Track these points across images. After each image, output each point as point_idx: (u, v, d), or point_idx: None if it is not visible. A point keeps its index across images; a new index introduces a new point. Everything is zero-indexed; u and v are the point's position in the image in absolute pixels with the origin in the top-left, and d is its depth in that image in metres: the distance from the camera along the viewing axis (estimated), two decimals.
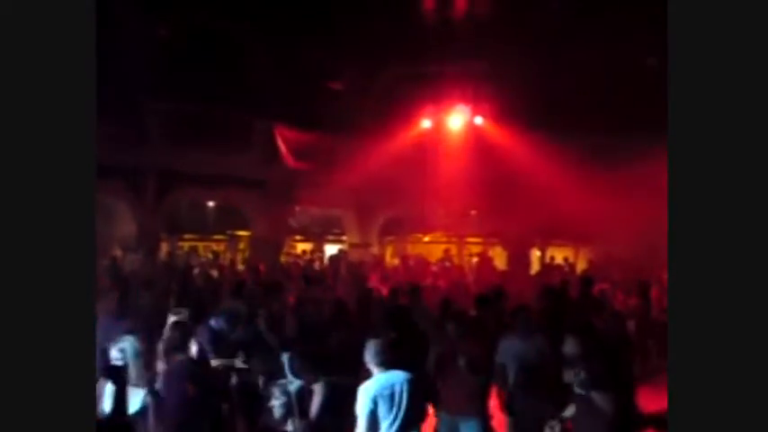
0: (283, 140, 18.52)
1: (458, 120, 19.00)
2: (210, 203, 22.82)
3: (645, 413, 6.61)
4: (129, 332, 6.69)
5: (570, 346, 6.30)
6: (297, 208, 21.73)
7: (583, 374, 5.93)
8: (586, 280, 12.38)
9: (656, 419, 6.73)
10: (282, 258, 19.98)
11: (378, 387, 5.75)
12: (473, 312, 9.37)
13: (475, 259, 20.62)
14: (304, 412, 6.39)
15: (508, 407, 7.49)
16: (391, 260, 22.29)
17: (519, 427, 7.40)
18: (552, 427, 6.32)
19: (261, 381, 7.04)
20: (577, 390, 6.02)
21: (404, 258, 21.12)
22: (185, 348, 6.47)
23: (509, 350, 7.59)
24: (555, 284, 12.33)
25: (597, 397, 5.82)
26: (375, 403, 5.70)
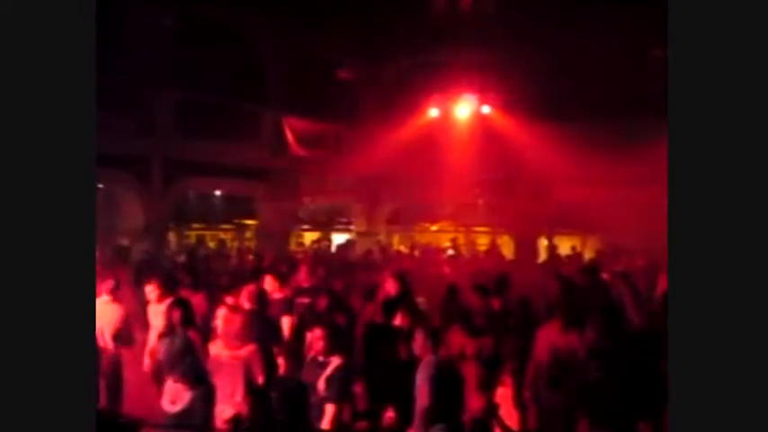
0: (291, 130, 18.53)
1: (465, 109, 18.95)
2: (218, 193, 22.88)
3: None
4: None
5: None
6: (304, 197, 21.76)
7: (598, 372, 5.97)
8: (592, 268, 12.34)
9: None
10: (293, 247, 20.08)
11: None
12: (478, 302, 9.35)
13: (482, 248, 20.62)
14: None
15: (522, 402, 7.48)
16: (398, 248, 22.31)
17: (545, 420, 7.35)
18: None
19: None
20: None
21: (413, 247, 21.15)
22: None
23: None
24: (567, 273, 12.31)
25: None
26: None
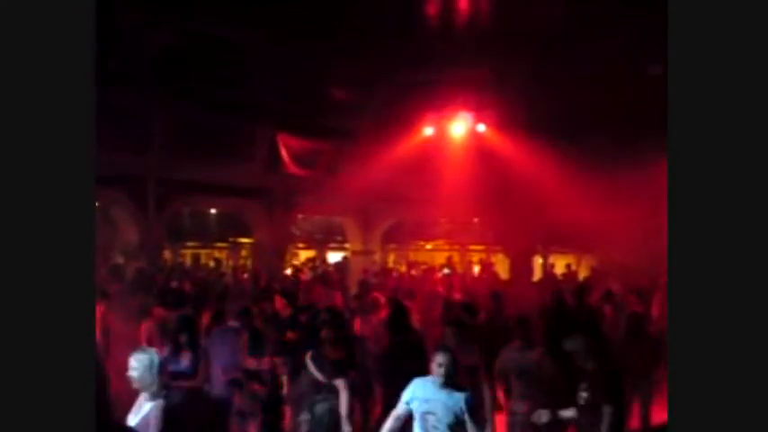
0: (286, 148, 18.55)
1: (460, 127, 18.99)
2: (213, 211, 22.86)
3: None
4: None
5: (574, 344, 6.28)
6: (299, 215, 21.75)
7: (587, 393, 5.96)
8: (581, 289, 12.39)
9: None
10: (288, 267, 20.04)
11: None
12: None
13: (477, 267, 20.62)
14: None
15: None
16: (394, 266, 22.29)
17: None
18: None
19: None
20: (582, 401, 6.04)
21: (409, 265, 21.15)
22: None
23: (509, 360, 7.60)
24: (559, 293, 12.38)
25: (605, 409, 5.84)
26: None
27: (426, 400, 5.64)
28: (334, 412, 6.17)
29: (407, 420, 5.77)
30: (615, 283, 13.87)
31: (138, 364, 5.19)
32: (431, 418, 5.59)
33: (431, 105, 18.90)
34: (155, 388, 5.18)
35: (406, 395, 5.79)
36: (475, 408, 5.78)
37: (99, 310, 8.99)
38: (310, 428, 5.84)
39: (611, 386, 6.03)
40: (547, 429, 6.80)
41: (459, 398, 5.63)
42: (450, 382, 5.61)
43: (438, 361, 5.63)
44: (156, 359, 5.25)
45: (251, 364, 8.07)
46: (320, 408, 6.22)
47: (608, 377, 6.07)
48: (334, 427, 6.14)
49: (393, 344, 8.16)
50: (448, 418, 5.56)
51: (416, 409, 5.69)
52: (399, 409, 5.81)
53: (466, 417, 5.60)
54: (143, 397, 5.25)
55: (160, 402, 5.16)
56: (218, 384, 7.89)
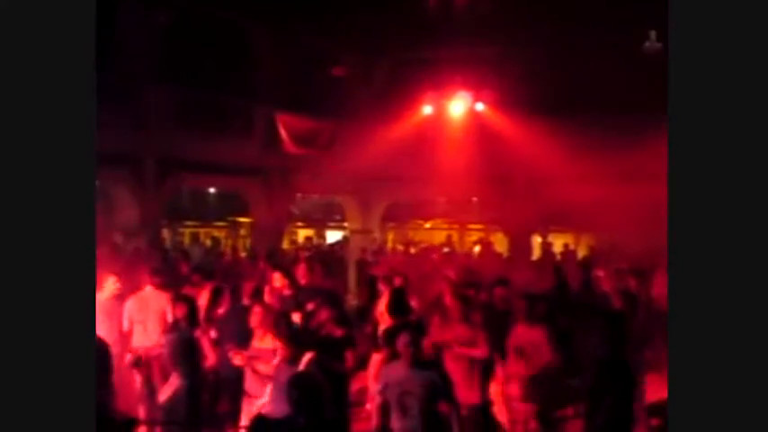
0: (284, 127, 18.48)
1: (459, 106, 18.95)
2: (211, 190, 22.83)
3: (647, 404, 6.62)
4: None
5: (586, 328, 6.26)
6: (298, 194, 21.72)
7: (594, 379, 5.96)
8: (585, 266, 12.40)
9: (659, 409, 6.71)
10: (286, 245, 20.06)
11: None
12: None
13: (477, 247, 20.63)
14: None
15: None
16: (393, 245, 22.33)
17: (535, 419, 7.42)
18: None
19: None
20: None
21: (407, 245, 21.17)
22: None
23: (516, 338, 7.62)
24: (560, 271, 12.40)
25: (608, 400, 5.82)
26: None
27: (400, 383, 5.70)
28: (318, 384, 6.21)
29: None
30: (614, 260, 13.88)
31: (167, 342, 5.22)
32: (408, 399, 5.64)
33: (430, 84, 18.86)
34: (183, 365, 5.20)
35: (379, 385, 5.87)
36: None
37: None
38: (291, 399, 5.88)
39: (619, 377, 5.96)
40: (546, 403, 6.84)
41: (430, 374, 5.72)
42: (416, 361, 5.69)
43: (405, 341, 5.71)
44: (187, 337, 5.27)
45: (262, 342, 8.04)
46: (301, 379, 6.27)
47: (616, 368, 5.99)
48: (317, 398, 6.17)
49: (394, 325, 8.19)
50: (425, 395, 5.63)
51: (392, 393, 5.74)
52: (378, 400, 5.90)
53: (442, 390, 5.68)
54: (173, 375, 5.26)
55: (185, 381, 5.16)
56: (227, 364, 7.86)
